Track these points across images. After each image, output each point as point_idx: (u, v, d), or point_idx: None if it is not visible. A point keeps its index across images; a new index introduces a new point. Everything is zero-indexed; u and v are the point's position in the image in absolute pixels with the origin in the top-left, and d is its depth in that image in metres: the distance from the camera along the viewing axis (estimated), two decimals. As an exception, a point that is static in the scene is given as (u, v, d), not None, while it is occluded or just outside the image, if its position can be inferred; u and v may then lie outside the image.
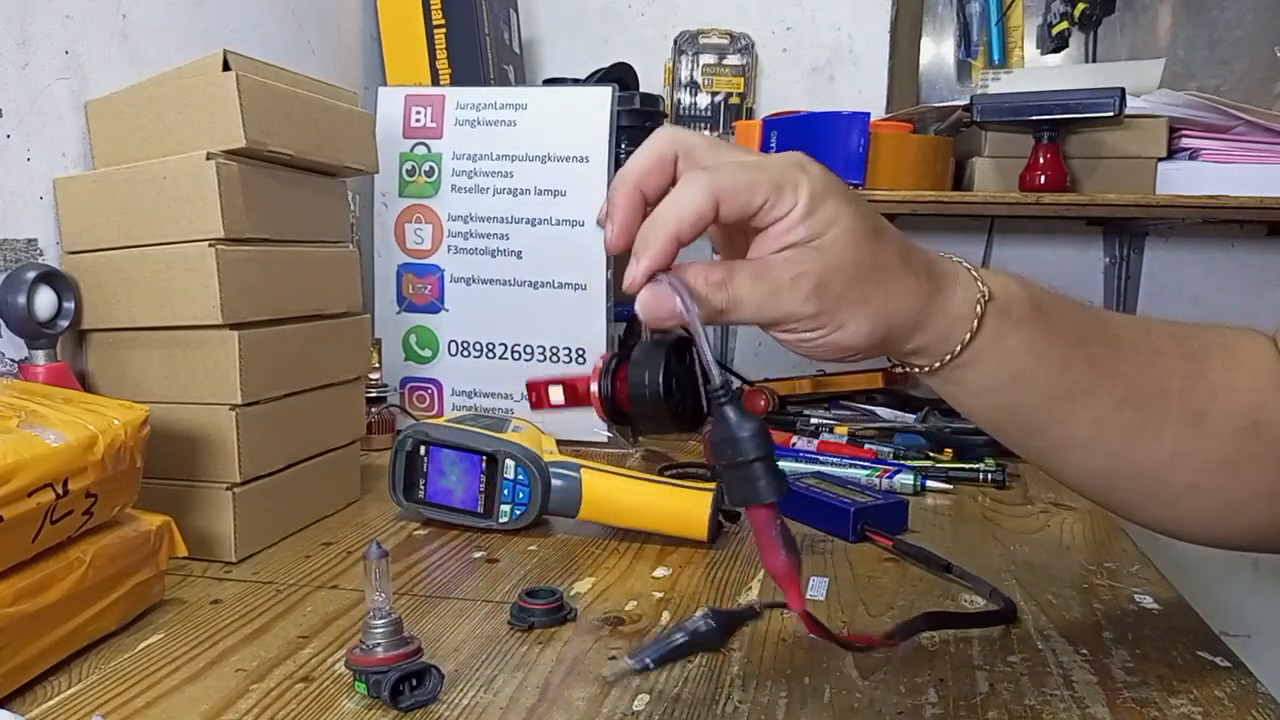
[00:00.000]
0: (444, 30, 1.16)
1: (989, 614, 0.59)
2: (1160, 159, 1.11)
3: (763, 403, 1.16)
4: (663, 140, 0.43)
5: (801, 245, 0.41)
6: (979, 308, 0.44)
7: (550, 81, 1.27)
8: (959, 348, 0.44)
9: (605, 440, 1.05)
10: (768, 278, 0.41)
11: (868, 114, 1.08)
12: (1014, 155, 1.12)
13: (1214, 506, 0.50)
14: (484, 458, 0.74)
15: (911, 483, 0.87)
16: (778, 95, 1.41)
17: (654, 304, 0.40)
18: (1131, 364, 0.48)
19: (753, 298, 0.41)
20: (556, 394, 0.48)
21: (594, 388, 0.46)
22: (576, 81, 1.20)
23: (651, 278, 0.40)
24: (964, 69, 1.41)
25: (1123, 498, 0.52)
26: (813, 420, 1.10)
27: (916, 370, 0.46)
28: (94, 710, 0.47)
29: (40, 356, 0.67)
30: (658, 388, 0.43)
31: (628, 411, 0.45)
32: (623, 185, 0.42)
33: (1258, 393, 0.49)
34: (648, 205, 0.43)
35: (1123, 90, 1.03)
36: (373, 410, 1.00)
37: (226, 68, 0.67)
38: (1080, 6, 1.34)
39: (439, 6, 1.16)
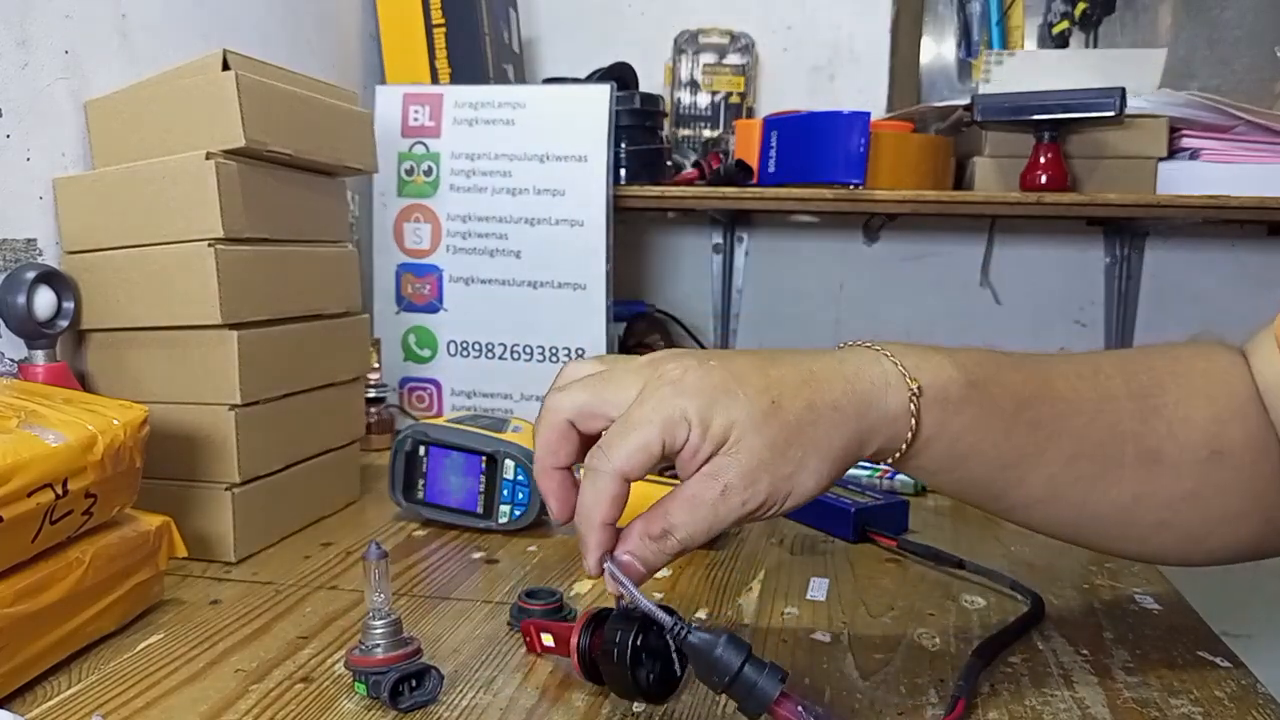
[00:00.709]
0: (444, 29, 1.16)
1: (1023, 620, 0.57)
2: (1161, 159, 1.11)
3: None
4: (552, 417, 0.45)
5: (713, 457, 0.42)
6: (913, 405, 0.44)
7: (550, 81, 1.27)
8: (905, 445, 0.45)
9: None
10: (699, 504, 0.42)
11: (868, 113, 1.08)
12: (1015, 155, 1.12)
13: (1185, 536, 0.50)
14: (483, 458, 0.74)
15: (912, 483, 0.87)
16: (778, 94, 1.41)
17: (611, 585, 0.43)
18: (1078, 417, 0.47)
19: (697, 526, 0.42)
20: (548, 639, 0.52)
21: (574, 641, 0.48)
22: (576, 81, 1.20)
23: (603, 558, 0.44)
24: (965, 68, 1.41)
25: (1092, 540, 0.52)
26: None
27: (877, 463, 0.47)
28: (94, 710, 0.47)
29: (40, 356, 0.67)
30: (625, 655, 0.44)
31: (600, 670, 0.47)
32: (541, 474, 0.46)
33: (1217, 420, 0.48)
34: (571, 471, 0.46)
35: (1123, 90, 1.03)
36: (372, 410, 1.00)
37: (226, 67, 0.67)
38: (1080, 6, 1.34)
39: (439, 6, 1.16)
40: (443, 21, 1.16)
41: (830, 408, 0.43)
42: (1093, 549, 0.54)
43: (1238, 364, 0.50)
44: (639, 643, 0.44)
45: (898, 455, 0.45)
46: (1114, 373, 0.49)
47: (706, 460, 0.42)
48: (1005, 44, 1.38)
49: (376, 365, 1.03)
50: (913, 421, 0.45)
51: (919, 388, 0.45)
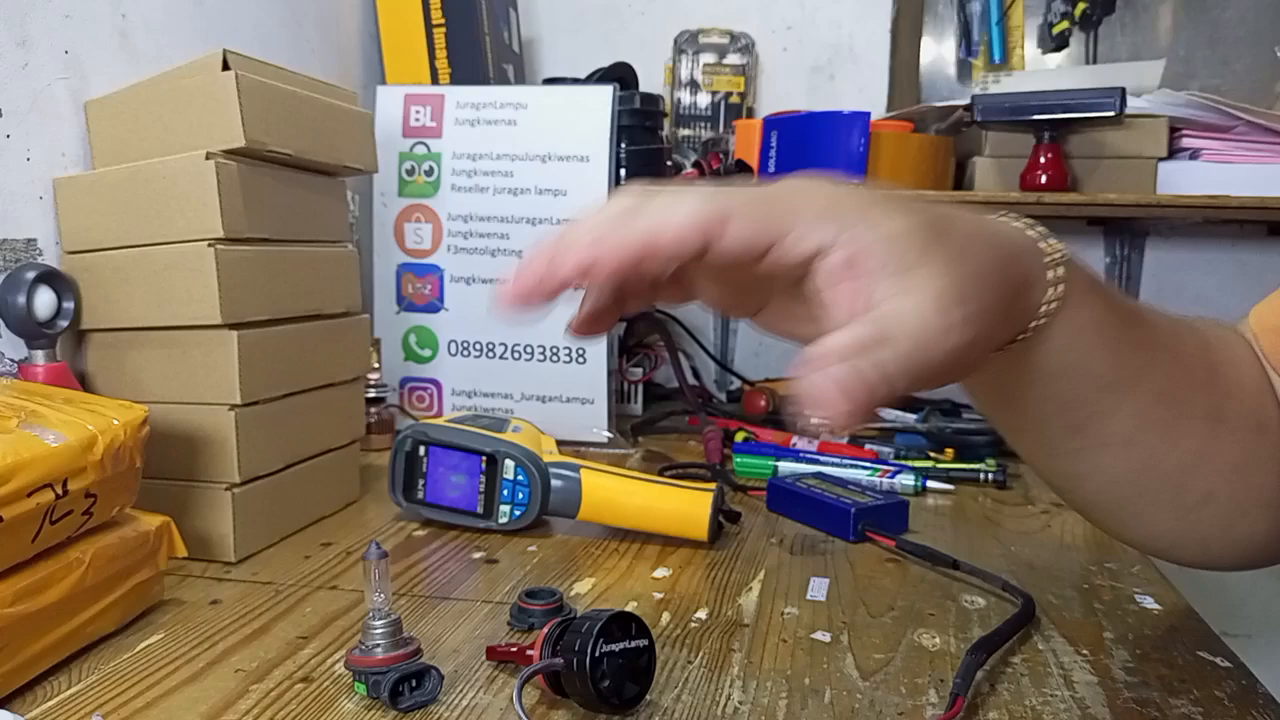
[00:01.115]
0: (444, 29, 1.16)
1: (1015, 620, 0.57)
2: (1161, 159, 1.11)
3: (763, 403, 1.15)
4: (709, 210, 0.32)
5: (893, 276, 0.32)
6: (1059, 271, 0.39)
7: (550, 81, 1.27)
8: (1034, 323, 0.39)
9: (605, 440, 1.05)
10: (918, 314, 0.32)
11: (868, 113, 1.08)
12: (1015, 155, 1.12)
13: (1222, 515, 0.48)
14: (484, 458, 0.74)
15: (912, 483, 0.87)
16: (778, 94, 1.41)
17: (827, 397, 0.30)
18: (1166, 352, 0.45)
19: (920, 339, 0.31)
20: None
21: (536, 655, 0.47)
22: (576, 81, 1.20)
23: (550, 289, 0.32)
24: (965, 68, 1.41)
25: (1137, 508, 0.49)
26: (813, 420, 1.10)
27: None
28: (93, 710, 0.47)
29: (40, 356, 0.67)
30: (585, 665, 0.44)
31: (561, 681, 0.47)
32: (620, 247, 0.31)
33: (1260, 392, 0.48)
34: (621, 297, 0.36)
35: (1123, 90, 1.03)
36: (372, 410, 1.00)
37: (226, 67, 0.67)
38: (1080, 6, 1.34)
39: (439, 6, 1.16)
40: (443, 21, 1.16)
41: (993, 244, 0.37)
42: (1125, 522, 0.50)
43: (1245, 343, 0.50)
44: (601, 648, 0.45)
45: (1030, 330, 0.39)
46: (1181, 323, 0.48)
47: (877, 280, 0.32)
48: (1005, 44, 1.38)
49: (377, 365, 1.03)
50: (1060, 287, 0.39)
51: (1064, 257, 0.40)
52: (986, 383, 0.43)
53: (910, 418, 1.10)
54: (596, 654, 0.45)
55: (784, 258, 0.33)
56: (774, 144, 1.14)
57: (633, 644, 0.47)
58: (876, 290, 0.32)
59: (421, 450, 0.76)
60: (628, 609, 0.60)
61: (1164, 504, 0.49)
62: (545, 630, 0.48)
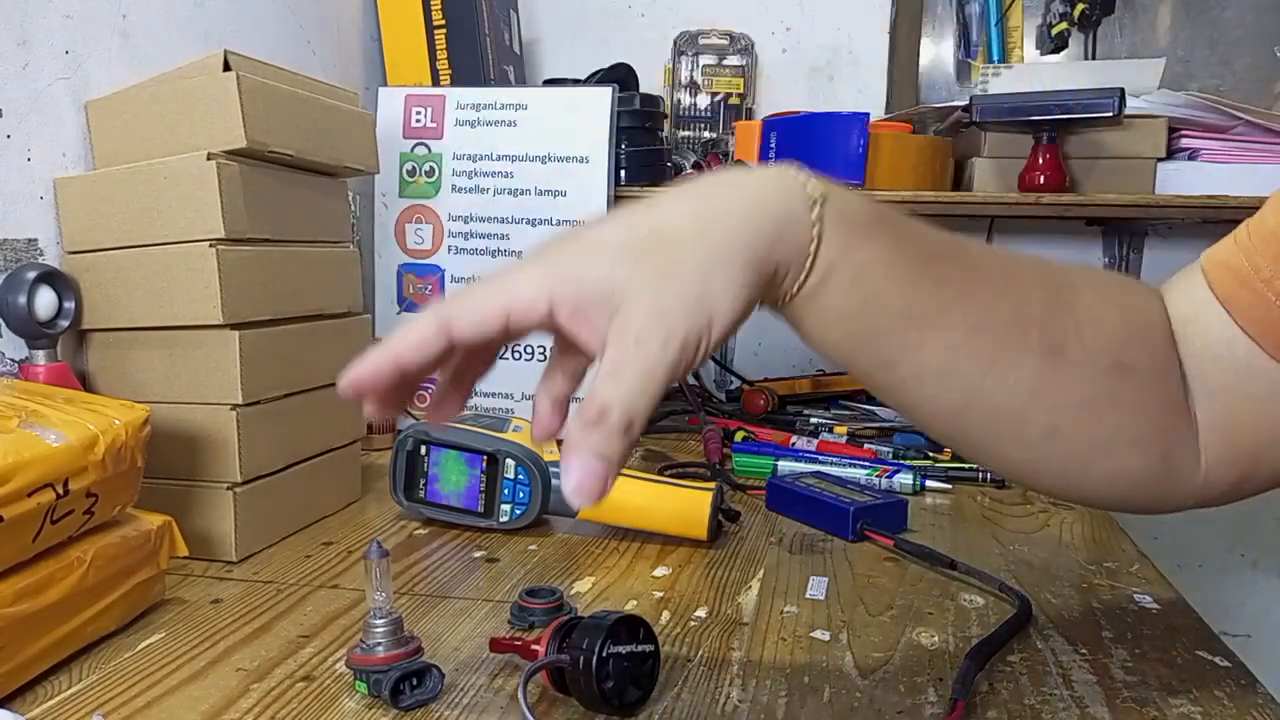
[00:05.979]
0: (444, 30, 1.17)
1: (1012, 621, 0.57)
2: (1160, 159, 1.11)
3: (762, 402, 1.16)
4: (433, 323, 0.41)
5: (613, 319, 0.37)
6: (815, 213, 0.40)
7: (550, 82, 1.27)
8: (810, 260, 0.40)
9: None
10: (620, 367, 0.36)
11: (867, 114, 1.08)
12: (1013, 155, 1.12)
13: (1074, 451, 0.46)
14: (484, 457, 0.75)
15: (911, 482, 0.87)
16: (777, 95, 1.41)
17: (589, 487, 0.36)
18: (987, 286, 0.44)
19: (629, 390, 0.36)
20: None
21: (541, 650, 0.47)
22: (577, 82, 1.20)
23: (362, 392, 0.44)
24: (963, 69, 1.41)
25: (979, 438, 0.47)
26: (812, 420, 1.11)
27: (778, 305, 0.42)
28: (94, 710, 0.47)
29: (41, 356, 0.67)
30: (591, 664, 0.44)
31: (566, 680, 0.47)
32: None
33: (1126, 330, 0.46)
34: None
35: (1122, 90, 1.03)
36: (373, 410, 1.00)
37: (227, 68, 0.67)
38: (1080, 7, 1.34)
39: (439, 7, 1.16)
40: (443, 22, 1.17)
41: (720, 214, 0.39)
42: (975, 452, 0.49)
43: (1154, 294, 0.49)
44: (607, 650, 0.45)
45: (802, 281, 0.40)
46: (1029, 263, 0.47)
47: (599, 322, 0.37)
48: (1004, 45, 1.38)
49: (377, 365, 1.03)
50: (816, 230, 0.40)
51: (822, 195, 0.41)
52: (802, 328, 0.43)
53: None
54: (603, 654, 0.45)
55: (524, 326, 0.38)
56: (773, 145, 1.14)
57: (639, 649, 0.47)
58: (602, 331, 0.37)
59: (422, 450, 0.76)
60: (628, 608, 0.60)
61: (1003, 436, 0.46)
62: (552, 627, 0.48)
